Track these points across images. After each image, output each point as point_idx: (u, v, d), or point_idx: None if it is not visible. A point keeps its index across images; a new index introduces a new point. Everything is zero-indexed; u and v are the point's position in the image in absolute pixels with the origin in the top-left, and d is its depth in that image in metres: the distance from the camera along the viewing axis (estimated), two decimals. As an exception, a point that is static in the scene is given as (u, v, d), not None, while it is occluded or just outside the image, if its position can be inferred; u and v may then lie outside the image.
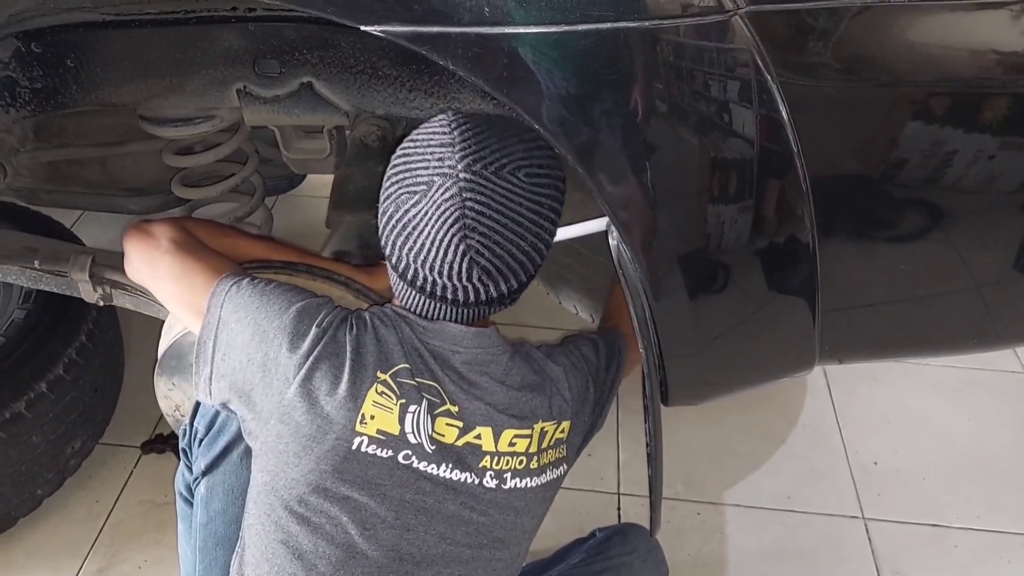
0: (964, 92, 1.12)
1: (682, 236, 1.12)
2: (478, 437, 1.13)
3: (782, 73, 1.03)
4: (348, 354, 1.08)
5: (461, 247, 1.03)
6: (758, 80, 1.03)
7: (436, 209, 1.03)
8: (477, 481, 1.13)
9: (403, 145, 1.10)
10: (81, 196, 2.14)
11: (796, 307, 1.23)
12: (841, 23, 1.04)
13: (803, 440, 2.15)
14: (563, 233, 1.15)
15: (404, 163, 1.08)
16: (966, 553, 1.90)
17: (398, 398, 1.09)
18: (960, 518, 1.97)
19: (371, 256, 1.49)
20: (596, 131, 1.02)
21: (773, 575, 1.84)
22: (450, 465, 1.12)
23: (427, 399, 1.10)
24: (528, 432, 1.15)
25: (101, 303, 1.50)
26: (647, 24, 0.97)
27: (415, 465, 1.10)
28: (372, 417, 1.08)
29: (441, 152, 1.05)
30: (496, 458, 1.14)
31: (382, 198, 1.09)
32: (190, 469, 1.32)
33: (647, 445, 1.30)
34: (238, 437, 1.23)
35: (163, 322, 1.43)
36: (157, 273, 1.22)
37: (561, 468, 1.22)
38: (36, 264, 1.48)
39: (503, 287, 1.08)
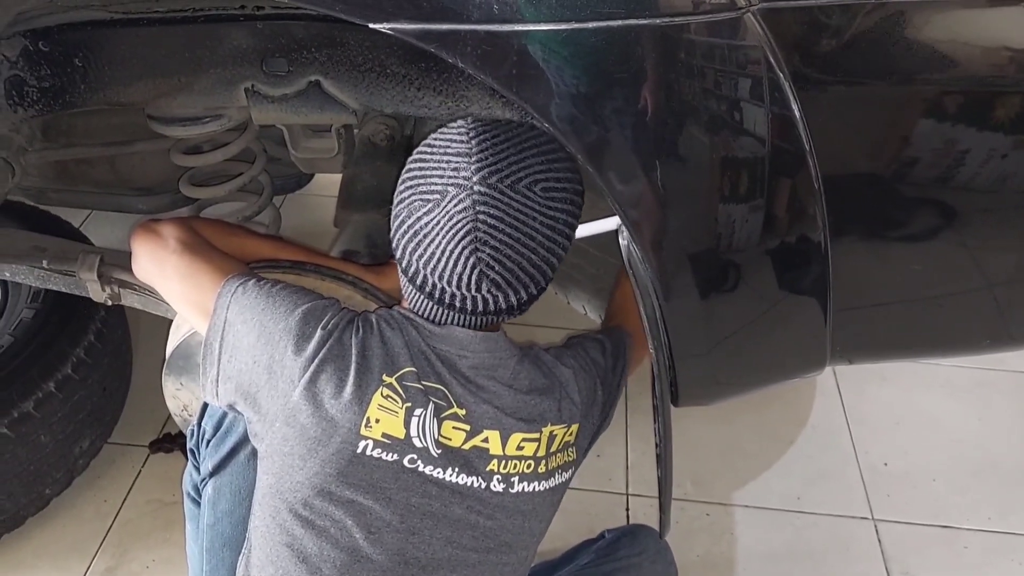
0: (977, 90, 1.11)
1: (693, 235, 1.12)
2: (485, 441, 1.12)
3: (794, 71, 1.02)
4: (353, 357, 1.07)
5: (471, 260, 1.03)
6: (770, 78, 1.02)
7: (448, 220, 1.03)
8: (484, 485, 1.12)
9: (419, 149, 1.10)
10: (89, 195, 2.14)
11: (807, 307, 1.22)
12: (854, 20, 1.03)
13: (813, 440, 2.15)
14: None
15: (420, 168, 1.07)
16: (976, 554, 1.89)
17: (404, 401, 1.08)
18: (970, 519, 1.96)
19: (379, 255, 1.48)
20: (606, 129, 1.01)
21: (782, 576, 1.84)
22: (456, 469, 1.11)
23: (433, 402, 1.09)
24: (536, 436, 1.15)
25: (109, 302, 1.50)
26: (658, 21, 0.97)
27: (421, 469, 1.10)
28: (377, 420, 1.07)
29: (457, 161, 1.05)
30: (504, 462, 1.13)
31: (395, 200, 1.09)
32: (198, 469, 1.32)
33: (656, 446, 1.29)
34: (245, 438, 1.23)
35: (171, 321, 1.43)
36: (164, 273, 1.22)
37: (569, 471, 1.22)
38: (44, 263, 1.48)
39: (513, 299, 1.08)
